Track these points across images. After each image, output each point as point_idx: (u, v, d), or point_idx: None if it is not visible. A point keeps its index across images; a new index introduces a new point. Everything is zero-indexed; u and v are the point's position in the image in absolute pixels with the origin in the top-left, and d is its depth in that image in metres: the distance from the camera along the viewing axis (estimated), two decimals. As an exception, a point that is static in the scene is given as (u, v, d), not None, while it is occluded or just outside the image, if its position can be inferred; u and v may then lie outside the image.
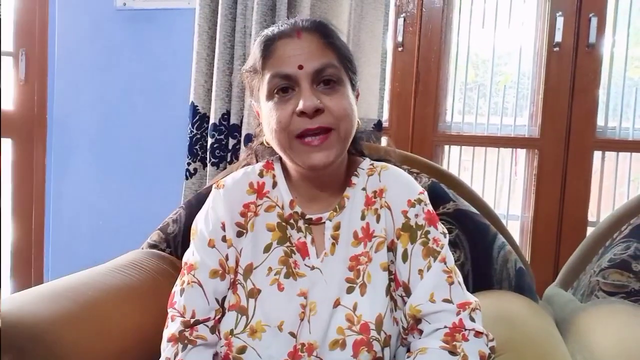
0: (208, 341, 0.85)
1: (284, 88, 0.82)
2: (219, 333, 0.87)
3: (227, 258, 0.88)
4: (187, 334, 0.84)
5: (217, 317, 0.87)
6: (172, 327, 0.86)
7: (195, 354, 0.83)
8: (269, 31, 0.87)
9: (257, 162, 0.99)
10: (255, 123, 0.96)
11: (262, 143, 0.95)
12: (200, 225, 0.90)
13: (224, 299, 0.88)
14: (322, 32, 0.85)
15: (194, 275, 0.87)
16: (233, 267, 0.88)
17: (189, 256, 0.90)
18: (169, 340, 0.85)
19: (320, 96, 0.82)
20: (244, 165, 1.00)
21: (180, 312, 0.86)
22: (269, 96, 0.84)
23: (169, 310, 0.88)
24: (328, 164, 0.83)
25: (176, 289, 0.89)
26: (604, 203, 1.76)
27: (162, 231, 1.37)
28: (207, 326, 0.86)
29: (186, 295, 0.86)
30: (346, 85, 0.85)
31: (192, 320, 0.85)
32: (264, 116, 0.86)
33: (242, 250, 0.89)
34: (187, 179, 1.73)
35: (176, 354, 0.83)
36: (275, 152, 0.90)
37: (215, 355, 0.88)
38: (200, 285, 0.86)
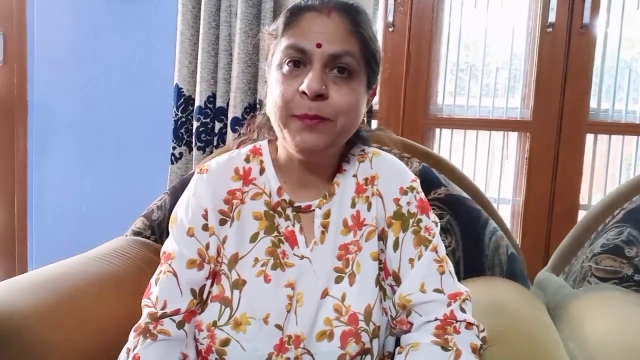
0: (171, 337, 0.80)
1: (296, 62, 0.78)
2: (198, 327, 0.83)
3: (207, 247, 0.84)
4: (151, 327, 0.80)
5: (190, 310, 0.82)
6: (142, 318, 0.83)
7: (153, 350, 0.79)
8: (300, 0, 0.83)
9: (257, 136, 0.95)
10: (265, 90, 0.91)
11: (265, 113, 0.91)
12: (180, 213, 0.86)
13: (202, 289, 0.84)
14: (354, 17, 0.80)
15: (170, 265, 0.83)
16: (214, 257, 0.84)
17: (168, 245, 0.86)
18: (135, 330, 0.82)
19: (329, 83, 0.78)
20: (242, 141, 0.96)
21: (153, 303, 0.82)
22: (280, 65, 0.80)
23: (142, 301, 0.84)
24: (315, 148, 0.79)
25: (153, 279, 0.85)
26: (595, 186, 1.75)
27: (147, 218, 1.34)
28: (174, 320, 0.81)
29: (160, 285, 0.82)
30: (360, 80, 0.81)
31: (160, 313, 0.81)
32: (270, 85, 0.82)
33: (226, 239, 0.85)
34: (172, 163, 1.69)
35: (135, 346, 0.79)
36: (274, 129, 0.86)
37: (197, 349, 0.84)
38: (175, 275, 0.82)
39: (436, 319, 0.80)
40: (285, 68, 0.79)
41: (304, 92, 0.76)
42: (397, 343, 0.87)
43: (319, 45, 0.77)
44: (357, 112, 0.82)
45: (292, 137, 0.79)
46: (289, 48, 0.78)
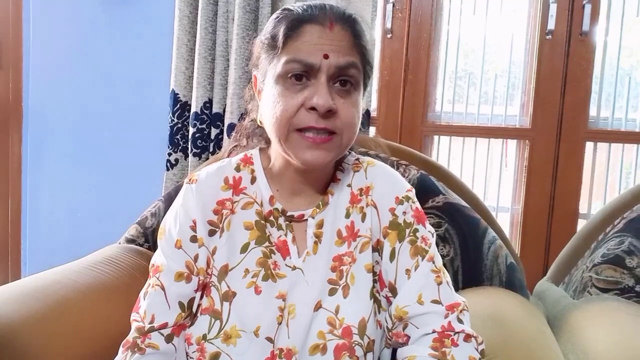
0: (160, 351, 0.79)
1: (298, 75, 0.76)
2: (188, 340, 0.82)
3: (196, 259, 0.82)
4: (139, 341, 0.79)
5: (179, 323, 0.81)
6: (130, 333, 0.81)
7: None
8: (297, 9, 0.80)
9: (247, 143, 0.93)
10: (249, 95, 0.89)
11: (253, 120, 0.89)
12: (169, 224, 0.84)
13: (190, 302, 0.82)
14: (354, 30, 0.79)
15: (158, 278, 0.81)
16: (203, 268, 0.83)
17: (156, 258, 0.84)
18: (123, 346, 0.80)
19: (334, 96, 0.76)
20: (233, 147, 0.94)
21: (141, 317, 0.80)
22: (280, 79, 0.77)
23: (131, 315, 0.82)
24: (320, 164, 0.78)
25: (141, 293, 0.83)
26: (595, 195, 1.73)
27: (140, 225, 1.32)
28: (162, 334, 0.79)
29: (148, 299, 0.81)
30: (360, 91, 0.80)
31: (147, 327, 0.79)
32: (267, 97, 0.79)
33: (216, 250, 0.83)
34: (168, 169, 1.67)
35: None
36: (266, 134, 0.84)
37: None
38: (163, 289, 0.81)
39: (434, 331, 0.78)
40: (288, 82, 0.77)
41: (312, 108, 0.75)
42: (394, 355, 0.85)
43: (326, 56, 0.75)
44: (357, 125, 0.81)
45: (295, 153, 0.78)
46: (292, 62, 0.76)
